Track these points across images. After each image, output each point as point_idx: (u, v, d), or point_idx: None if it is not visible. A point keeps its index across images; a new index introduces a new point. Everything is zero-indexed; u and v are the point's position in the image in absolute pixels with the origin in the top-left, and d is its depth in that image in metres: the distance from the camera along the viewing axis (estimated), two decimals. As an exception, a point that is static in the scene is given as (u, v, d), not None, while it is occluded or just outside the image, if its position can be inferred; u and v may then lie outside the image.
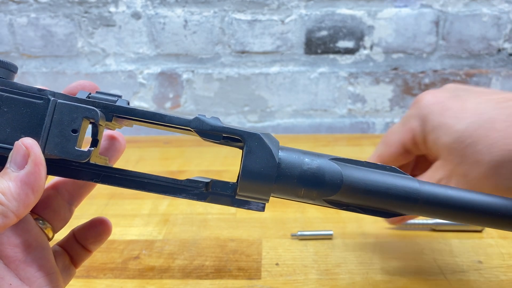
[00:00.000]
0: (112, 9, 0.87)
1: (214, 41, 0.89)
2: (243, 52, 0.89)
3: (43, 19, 0.88)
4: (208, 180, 0.31)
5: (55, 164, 0.30)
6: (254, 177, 0.28)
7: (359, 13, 0.86)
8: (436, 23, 0.87)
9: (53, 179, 0.35)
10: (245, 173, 0.28)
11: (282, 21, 0.87)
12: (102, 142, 0.35)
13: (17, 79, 0.30)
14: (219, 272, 0.48)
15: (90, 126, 0.30)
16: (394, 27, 0.87)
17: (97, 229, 0.35)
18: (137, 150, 0.83)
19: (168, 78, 0.92)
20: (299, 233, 0.53)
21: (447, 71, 0.90)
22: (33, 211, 0.32)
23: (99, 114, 0.28)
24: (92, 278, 0.47)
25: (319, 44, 0.89)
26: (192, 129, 0.29)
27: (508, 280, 0.45)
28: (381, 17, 0.86)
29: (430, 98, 0.39)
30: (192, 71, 0.91)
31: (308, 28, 0.87)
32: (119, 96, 0.30)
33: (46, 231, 0.32)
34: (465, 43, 0.87)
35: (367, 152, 0.81)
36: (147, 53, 0.90)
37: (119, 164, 0.37)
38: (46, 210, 0.33)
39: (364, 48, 0.89)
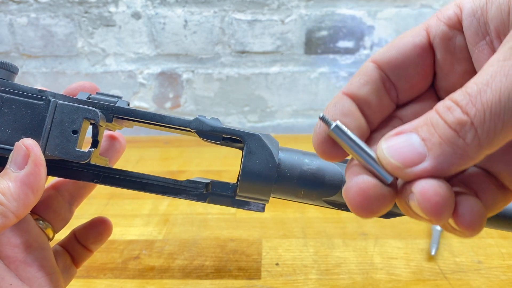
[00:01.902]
0: (112, 9, 0.87)
1: (214, 41, 0.89)
2: (243, 52, 0.89)
3: (43, 19, 0.88)
4: (208, 181, 0.31)
5: (56, 165, 0.30)
6: (254, 177, 0.28)
7: (359, 13, 0.86)
8: (436, 23, 0.87)
9: (53, 180, 0.35)
10: (245, 173, 0.28)
11: (282, 21, 0.87)
12: (102, 142, 0.35)
13: (17, 79, 0.30)
14: (219, 272, 0.48)
15: (90, 127, 0.30)
16: (394, 27, 0.87)
17: (97, 229, 0.35)
18: (137, 150, 0.83)
19: (168, 78, 0.92)
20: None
21: (447, 71, 0.90)
22: (33, 212, 0.32)
23: (99, 115, 0.28)
24: (92, 278, 0.47)
25: (319, 44, 0.89)
26: (192, 130, 0.29)
27: (508, 280, 0.46)
28: (381, 17, 0.86)
29: None
30: (192, 71, 0.91)
31: (308, 28, 0.87)
32: (119, 97, 0.30)
33: (46, 232, 0.32)
34: (465, 43, 0.87)
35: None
36: (147, 53, 0.90)
37: (119, 164, 0.37)
38: (46, 210, 0.33)
39: (364, 48, 0.89)
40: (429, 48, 0.26)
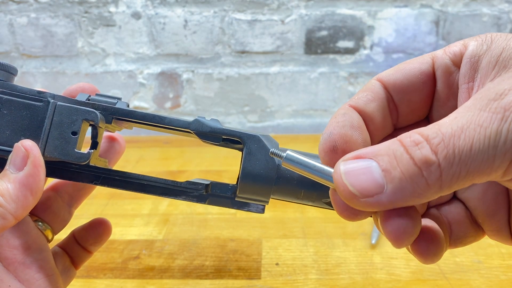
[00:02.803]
0: (112, 9, 0.87)
1: (214, 41, 0.89)
2: (243, 52, 0.89)
3: (43, 19, 0.88)
4: (208, 182, 0.31)
5: (55, 166, 0.30)
6: (253, 179, 0.28)
7: (359, 13, 0.86)
8: (436, 23, 0.87)
9: (52, 181, 0.35)
10: (245, 175, 0.28)
11: (282, 21, 0.87)
12: (102, 144, 0.35)
13: (17, 79, 0.30)
14: (219, 272, 0.48)
15: (89, 128, 0.30)
16: (394, 27, 0.87)
17: (97, 230, 0.35)
18: (137, 150, 0.83)
19: (168, 78, 0.92)
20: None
21: (447, 71, 0.90)
22: (32, 213, 0.32)
23: (98, 116, 0.28)
24: (92, 278, 0.47)
25: (319, 44, 0.89)
26: (192, 131, 0.29)
27: (508, 280, 0.46)
28: (381, 17, 0.86)
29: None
30: (192, 71, 0.91)
31: (308, 28, 0.87)
32: (119, 98, 0.30)
33: (45, 233, 0.32)
34: (465, 42, 0.87)
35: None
36: (147, 53, 0.90)
37: (119, 163, 0.37)
38: (45, 212, 0.33)
39: (364, 48, 0.89)
40: (432, 77, 0.27)
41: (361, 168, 0.21)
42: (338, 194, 0.22)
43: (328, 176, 0.23)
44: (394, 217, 0.21)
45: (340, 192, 0.21)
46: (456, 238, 0.27)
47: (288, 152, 0.23)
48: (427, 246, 0.23)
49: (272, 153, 0.24)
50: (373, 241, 0.51)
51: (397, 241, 0.21)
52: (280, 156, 0.24)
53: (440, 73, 0.26)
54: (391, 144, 0.20)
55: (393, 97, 0.27)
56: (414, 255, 0.24)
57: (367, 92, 0.27)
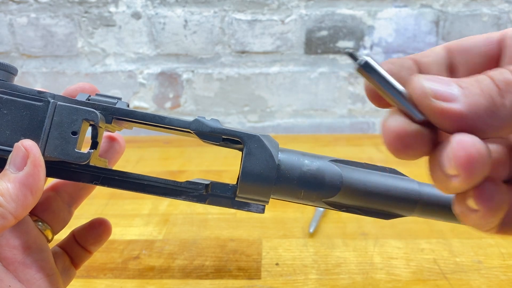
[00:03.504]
0: (112, 9, 0.87)
1: (214, 41, 0.89)
2: (243, 52, 0.89)
3: (43, 19, 0.88)
4: (208, 182, 0.31)
5: (55, 166, 0.30)
6: (254, 179, 0.28)
7: (359, 13, 0.86)
8: (436, 23, 0.87)
9: (52, 181, 0.35)
10: (245, 175, 0.28)
11: (282, 21, 0.87)
12: (102, 143, 0.35)
13: (17, 79, 0.30)
14: (219, 272, 0.48)
15: (90, 128, 0.30)
16: (394, 27, 0.87)
17: (97, 230, 0.35)
18: (137, 150, 0.83)
19: (168, 78, 0.92)
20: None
21: (447, 71, 0.90)
22: (32, 213, 0.32)
23: (98, 116, 0.28)
24: (92, 278, 0.47)
25: (319, 44, 0.89)
26: (192, 131, 0.29)
27: (508, 280, 0.46)
28: (381, 17, 0.86)
29: None
30: (192, 71, 0.91)
31: (308, 28, 0.87)
32: (119, 98, 0.30)
33: (45, 233, 0.32)
34: (465, 42, 0.87)
35: (367, 152, 0.81)
36: (147, 53, 0.90)
37: (119, 163, 0.37)
38: (45, 212, 0.33)
39: (364, 48, 0.89)
40: (499, 44, 0.26)
41: (442, 80, 0.20)
42: (411, 94, 0.21)
43: (399, 93, 0.21)
44: (464, 140, 0.20)
45: (413, 90, 0.21)
46: (508, 221, 0.24)
47: (367, 58, 0.22)
48: (491, 194, 0.21)
49: (349, 53, 0.22)
50: (310, 230, 0.54)
51: (468, 165, 0.19)
52: (358, 60, 0.22)
53: (510, 42, 0.25)
54: (477, 75, 0.20)
55: (455, 57, 0.26)
56: (476, 207, 0.21)
57: (427, 51, 0.26)
